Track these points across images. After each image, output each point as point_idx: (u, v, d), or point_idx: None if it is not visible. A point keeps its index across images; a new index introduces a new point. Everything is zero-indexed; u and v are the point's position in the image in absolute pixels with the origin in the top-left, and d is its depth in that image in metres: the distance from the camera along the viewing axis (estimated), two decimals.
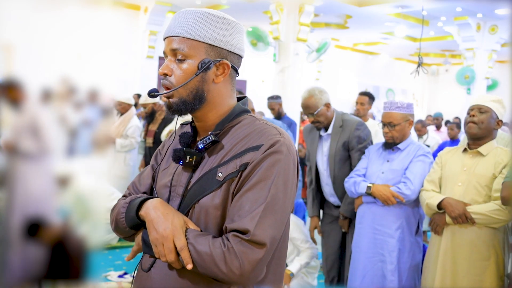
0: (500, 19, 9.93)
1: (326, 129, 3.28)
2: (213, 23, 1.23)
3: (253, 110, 3.65)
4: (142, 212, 1.25)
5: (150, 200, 1.26)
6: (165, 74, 1.25)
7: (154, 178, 1.40)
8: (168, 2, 10.31)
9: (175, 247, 1.16)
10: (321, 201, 3.46)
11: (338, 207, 3.33)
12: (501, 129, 3.19)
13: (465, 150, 2.70)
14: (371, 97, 5.38)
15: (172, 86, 1.24)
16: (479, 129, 2.59)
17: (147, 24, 10.66)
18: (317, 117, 3.18)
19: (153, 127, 5.34)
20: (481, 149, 2.61)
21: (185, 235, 1.17)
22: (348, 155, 3.23)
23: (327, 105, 3.21)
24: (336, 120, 3.25)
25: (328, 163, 3.26)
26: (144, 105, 5.54)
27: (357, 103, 5.21)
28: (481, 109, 2.59)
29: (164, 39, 1.28)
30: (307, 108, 3.20)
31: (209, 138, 1.25)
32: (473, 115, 2.60)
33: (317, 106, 3.16)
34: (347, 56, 15.25)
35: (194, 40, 1.22)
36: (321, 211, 3.53)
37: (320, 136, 3.33)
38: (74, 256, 2.02)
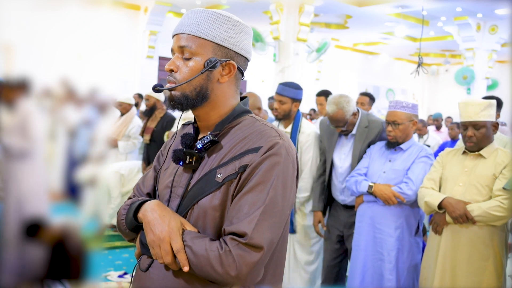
0: (500, 19, 9.94)
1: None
2: (222, 24, 1.24)
3: (259, 109, 3.55)
4: (139, 214, 1.25)
5: (147, 202, 1.26)
6: (171, 70, 1.25)
7: (156, 179, 1.41)
8: (168, 2, 10.32)
9: (172, 249, 1.16)
10: (328, 199, 3.40)
11: (346, 207, 3.29)
12: (499, 131, 3.18)
13: (465, 151, 2.70)
14: (371, 98, 5.40)
15: (176, 82, 1.25)
16: (479, 144, 2.61)
17: (147, 24, 10.66)
18: (346, 127, 3.14)
19: (152, 124, 5.32)
20: (483, 152, 2.63)
21: (182, 237, 1.17)
22: None
23: (354, 114, 3.15)
24: (361, 121, 3.19)
25: (351, 163, 3.21)
26: (148, 97, 5.51)
27: (357, 103, 5.21)
28: (476, 126, 2.59)
29: (173, 36, 1.28)
30: (336, 122, 3.11)
31: (207, 138, 1.24)
32: (470, 136, 2.60)
33: (346, 118, 3.10)
34: (347, 56, 15.25)
35: (202, 38, 1.23)
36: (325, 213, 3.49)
37: (341, 134, 3.29)
38: (74, 256, 2.02)
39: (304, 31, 8.36)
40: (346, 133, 3.21)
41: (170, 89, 1.25)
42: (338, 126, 3.13)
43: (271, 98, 6.11)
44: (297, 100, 3.33)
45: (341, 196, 3.29)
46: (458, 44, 10.69)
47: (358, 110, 3.23)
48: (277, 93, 3.35)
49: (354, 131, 3.20)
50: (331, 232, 3.36)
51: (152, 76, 11.09)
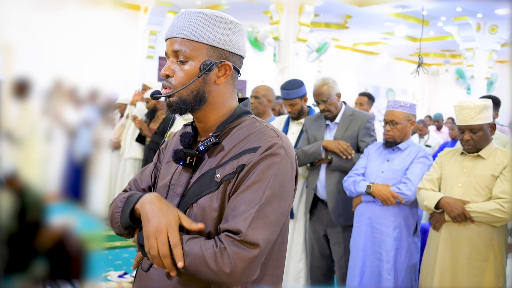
0: (500, 19, 9.94)
1: (332, 120, 3.32)
2: (215, 25, 1.23)
3: (270, 101, 3.82)
4: (137, 206, 1.24)
5: (146, 195, 1.25)
6: (167, 76, 1.25)
7: (155, 177, 1.41)
8: (168, 2, 10.32)
9: (169, 242, 1.15)
10: (313, 200, 3.35)
11: (327, 205, 3.24)
12: (498, 130, 3.17)
13: (464, 152, 2.70)
14: (370, 98, 5.39)
15: (171, 87, 1.24)
16: (477, 146, 2.62)
17: (147, 24, 10.66)
18: (328, 105, 3.24)
19: (154, 126, 5.29)
20: (482, 153, 2.63)
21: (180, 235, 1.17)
22: (357, 148, 3.23)
23: (338, 95, 3.30)
24: (346, 110, 3.33)
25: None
26: (147, 100, 5.51)
27: (356, 103, 5.21)
28: (472, 130, 2.59)
29: (166, 40, 1.28)
30: (320, 95, 3.26)
31: (210, 140, 1.24)
32: (468, 139, 2.61)
33: (330, 94, 3.24)
34: (347, 56, 15.24)
35: (195, 41, 1.22)
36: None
37: (327, 126, 3.34)
38: (74, 256, 2.02)
39: (304, 31, 8.36)
40: (328, 115, 3.28)
41: (168, 96, 1.24)
42: (322, 100, 3.25)
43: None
44: (303, 96, 3.50)
45: (322, 191, 3.27)
46: (458, 44, 10.69)
47: (344, 103, 3.38)
48: (284, 99, 3.48)
49: (338, 120, 3.29)
50: (316, 232, 3.35)
51: (152, 76, 11.07)
